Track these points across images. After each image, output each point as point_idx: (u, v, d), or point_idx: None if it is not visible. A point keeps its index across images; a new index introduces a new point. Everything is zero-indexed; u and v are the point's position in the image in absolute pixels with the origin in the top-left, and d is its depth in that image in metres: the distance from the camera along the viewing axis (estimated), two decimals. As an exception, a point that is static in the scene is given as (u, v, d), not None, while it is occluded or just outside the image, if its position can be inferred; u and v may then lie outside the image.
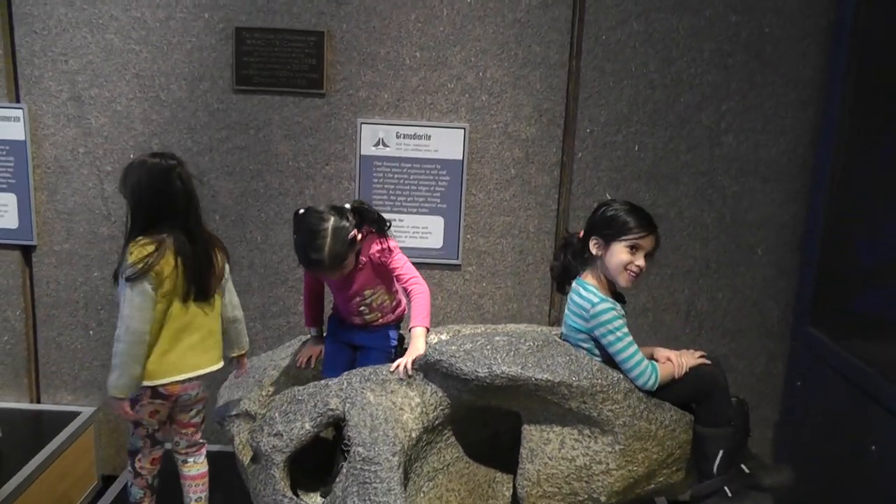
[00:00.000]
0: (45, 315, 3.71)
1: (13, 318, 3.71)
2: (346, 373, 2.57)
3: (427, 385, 2.47)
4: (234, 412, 2.79)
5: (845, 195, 3.28)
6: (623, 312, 2.47)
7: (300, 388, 2.58)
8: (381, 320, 2.78)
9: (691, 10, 3.39)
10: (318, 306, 2.93)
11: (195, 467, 2.81)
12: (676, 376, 2.44)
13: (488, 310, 3.67)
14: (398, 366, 2.51)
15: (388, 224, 2.65)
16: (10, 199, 3.59)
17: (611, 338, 2.40)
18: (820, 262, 3.35)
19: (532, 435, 2.45)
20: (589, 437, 2.39)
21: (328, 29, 3.44)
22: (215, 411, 2.88)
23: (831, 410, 3.16)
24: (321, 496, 2.60)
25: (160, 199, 2.52)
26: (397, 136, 3.51)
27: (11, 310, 3.70)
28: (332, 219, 2.50)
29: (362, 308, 2.73)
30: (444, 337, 2.75)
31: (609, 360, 2.45)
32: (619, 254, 2.43)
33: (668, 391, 2.46)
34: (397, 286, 2.80)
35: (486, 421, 2.64)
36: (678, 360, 2.47)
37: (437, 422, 2.46)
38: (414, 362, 2.50)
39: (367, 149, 3.52)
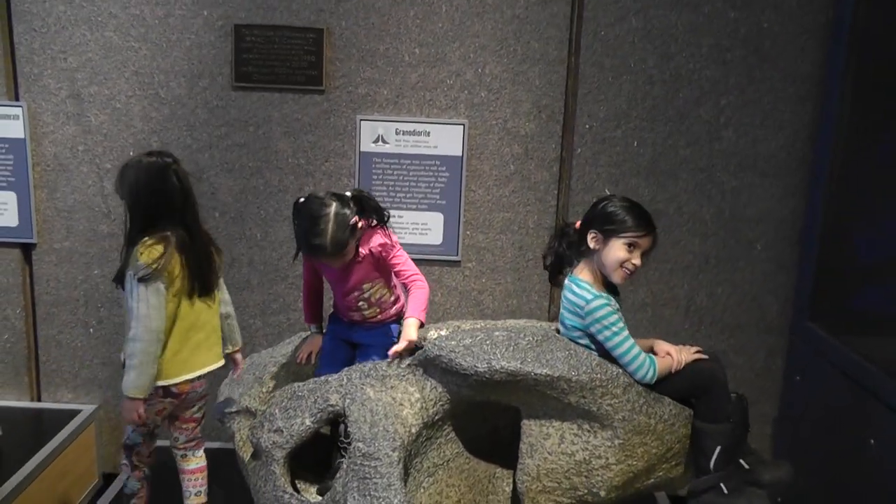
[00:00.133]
0: (46, 313, 3.72)
1: (13, 316, 3.71)
2: (345, 369, 2.58)
3: (427, 380, 2.48)
4: (234, 409, 2.80)
5: (844, 190, 3.29)
6: (618, 306, 2.47)
7: (300, 384, 2.59)
8: (380, 316, 2.79)
9: (690, 5, 3.39)
10: (318, 302, 2.93)
11: (194, 461, 2.83)
12: (674, 370, 2.45)
13: (488, 306, 3.68)
14: (393, 352, 2.55)
15: (387, 214, 2.67)
16: (10, 198, 3.59)
17: (607, 333, 2.41)
18: (819, 257, 3.36)
19: (532, 430, 2.45)
20: (588, 431, 2.40)
21: (327, 26, 3.45)
22: (215, 408, 2.89)
23: (830, 405, 3.16)
24: (320, 492, 2.61)
25: (158, 198, 2.53)
26: (396, 133, 3.51)
27: (11, 308, 3.70)
28: (334, 205, 2.52)
29: (360, 303, 2.74)
30: (443, 332, 2.75)
31: (607, 355, 2.45)
32: (616, 251, 2.43)
33: (667, 386, 2.46)
34: (396, 282, 2.80)
35: (486, 416, 2.65)
36: (678, 356, 2.47)
37: (436, 417, 2.46)
38: (406, 352, 2.53)
39: (367, 145, 3.52)
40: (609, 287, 2.52)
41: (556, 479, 2.43)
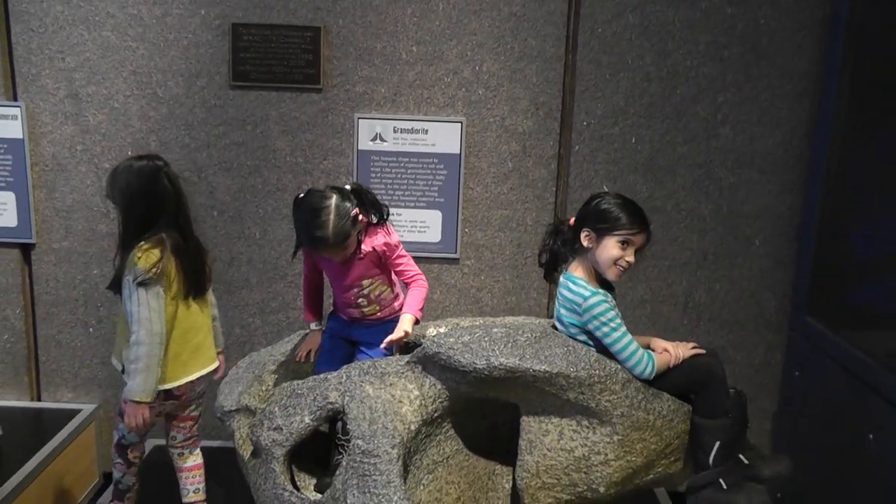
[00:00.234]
0: (45, 313, 3.72)
1: (13, 316, 3.72)
2: (344, 366, 2.58)
3: (425, 378, 2.48)
4: (233, 407, 2.80)
5: (841, 186, 3.30)
6: (614, 302, 2.48)
7: (299, 382, 2.59)
8: (379, 314, 2.79)
9: (687, 2, 3.40)
10: (318, 298, 2.94)
11: (191, 458, 2.86)
12: (672, 365, 2.45)
13: (487, 303, 3.68)
14: (388, 341, 2.60)
15: (386, 209, 2.69)
16: (9, 198, 3.59)
17: (605, 329, 2.41)
18: (817, 252, 3.36)
19: (531, 426, 2.45)
20: (587, 427, 2.40)
21: (324, 24, 3.45)
22: (215, 407, 2.89)
23: (829, 400, 3.17)
24: (319, 489, 2.61)
25: (150, 201, 2.55)
26: (394, 131, 3.51)
27: (11, 308, 3.71)
28: (335, 197, 2.54)
29: (360, 299, 2.74)
30: (442, 330, 2.75)
31: (605, 352, 2.45)
32: (610, 248, 2.43)
33: (666, 382, 2.46)
34: (395, 279, 2.81)
35: (485, 413, 2.64)
36: (675, 352, 2.47)
37: (435, 414, 2.47)
38: (399, 343, 2.58)
39: (365, 143, 3.52)
40: (604, 283, 2.52)
41: (556, 475, 2.43)
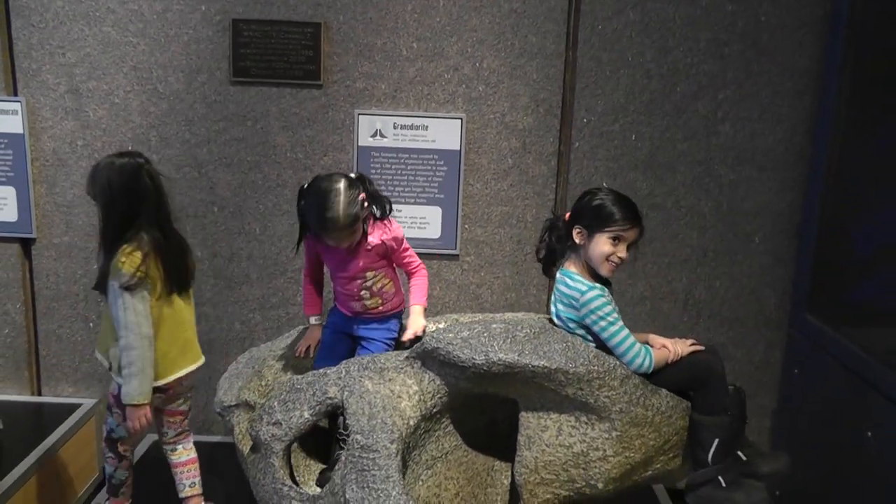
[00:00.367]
0: (46, 308, 3.73)
1: (13, 310, 3.72)
2: (344, 361, 2.59)
3: (425, 373, 2.48)
4: (233, 402, 2.81)
5: (841, 183, 3.29)
6: (611, 297, 2.48)
7: (299, 377, 2.59)
8: (381, 308, 2.80)
9: (687, -1, 3.40)
10: (318, 292, 2.94)
11: (185, 453, 2.86)
12: (670, 361, 2.45)
13: (486, 299, 3.68)
14: (413, 335, 2.67)
15: (389, 204, 2.71)
16: (10, 192, 3.59)
17: (602, 323, 2.41)
18: (817, 249, 3.36)
19: (529, 422, 2.46)
20: (586, 423, 2.40)
21: (325, 20, 3.45)
22: (215, 402, 2.90)
23: (829, 398, 3.17)
24: (319, 484, 2.61)
25: (132, 198, 2.55)
26: (394, 127, 3.51)
27: (11, 303, 3.71)
28: (343, 180, 2.56)
29: (363, 291, 2.75)
30: (441, 325, 2.76)
31: (603, 348, 2.46)
32: (601, 245, 2.44)
33: (665, 379, 2.47)
34: (396, 275, 2.83)
35: (484, 408, 2.65)
36: (674, 348, 2.47)
37: (434, 410, 2.47)
38: (414, 342, 2.60)
39: (365, 139, 3.52)
40: (600, 278, 2.53)
41: (554, 471, 2.44)
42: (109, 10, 3.45)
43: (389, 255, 2.75)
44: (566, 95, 3.48)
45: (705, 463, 2.45)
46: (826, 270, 3.35)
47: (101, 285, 2.58)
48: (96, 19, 3.46)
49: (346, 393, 2.43)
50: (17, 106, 3.51)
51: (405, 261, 2.78)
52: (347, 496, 2.26)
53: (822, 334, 3.25)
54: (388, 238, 2.68)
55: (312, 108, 3.53)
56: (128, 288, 2.48)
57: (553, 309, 2.58)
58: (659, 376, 2.46)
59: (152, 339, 2.56)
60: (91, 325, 3.71)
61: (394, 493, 2.22)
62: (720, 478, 2.44)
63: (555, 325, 2.58)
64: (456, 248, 3.62)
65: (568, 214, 2.56)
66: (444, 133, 3.50)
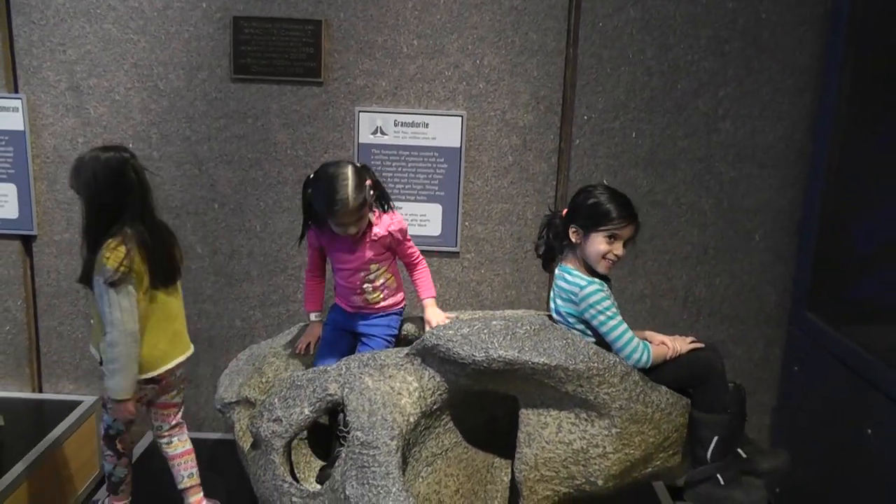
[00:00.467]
0: (46, 304, 3.73)
1: (14, 307, 3.73)
2: (344, 358, 2.59)
3: (425, 370, 2.49)
4: (234, 399, 2.81)
5: (842, 181, 3.29)
6: (610, 292, 2.49)
7: (299, 373, 2.60)
8: (382, 303, 2.80)
9: (688, -4, 3.40)
10: (320, 287, 2.95)
11: (180, 445, 2.87)
12: (669, 357, 2.46)
13: (487, 296, 3.69)
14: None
15: (388, 198, 2.75)
16: (10, 190, 3.60)
17: (601, 318, 2.42)
18: (817, 247, 3.36)
19: (529, 419, 2.46)
20: (586, 420, 2.41)
21: (325, 17, 3.45)
22: (215, 399, 2.90)
23: (828, 395, 3.17)
24: (319, 480, 2.62)
25: (116, 192, 2.55)
26: (395, 125, 3.51)
27: (12, 299, 3.72)
28: (350, 166, 2.60)
29: (365, 285, 2.76)
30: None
31: (603, 344, 2.46)
32: (597, 244, 2.45)
33: (665, 376, 2.47)
34: (397, 271, 2.84)
35: (484, 405, 2.66)
36: (672, 345, 2.48)
37: (434, 406, 2.47)
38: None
39: (365, 137, 3.52)
40: (599, 275, 2.53)
41: (554, 468, 2.44)
42: (110, 7, 3.45)
43: (394, 247, 2.78)
44: (567, 93, 3.48)
45: (704, 460, 2.45)
46: (826, 268, 3.35)
47: (86, 279, 2.59)
48: (97, 16, 3.46)
49: (346, 389, 2.43)
50: (17, 103, 3.51)
51: (408, 251, 2.82)
52: (347, 493, 2.27)
53: (822, 332, 3.25)
54: (395, 229, 2.72)
55: (313, 106, 3.53)
56: (112, 284, 2.48)
57: (552, 304, 2.59)
58: (659, 373, 2.46)
59: (137, 335, 2.55)
60: (92, 321, 3.70)
61: (394, 489, 2.23)
62: (719, 475, 2.45)
63: (554, 320, 2.59)
64: (456, 246, 3.62)
65: (565, 210, 2.57)
66: (445, 130, 3.50)
